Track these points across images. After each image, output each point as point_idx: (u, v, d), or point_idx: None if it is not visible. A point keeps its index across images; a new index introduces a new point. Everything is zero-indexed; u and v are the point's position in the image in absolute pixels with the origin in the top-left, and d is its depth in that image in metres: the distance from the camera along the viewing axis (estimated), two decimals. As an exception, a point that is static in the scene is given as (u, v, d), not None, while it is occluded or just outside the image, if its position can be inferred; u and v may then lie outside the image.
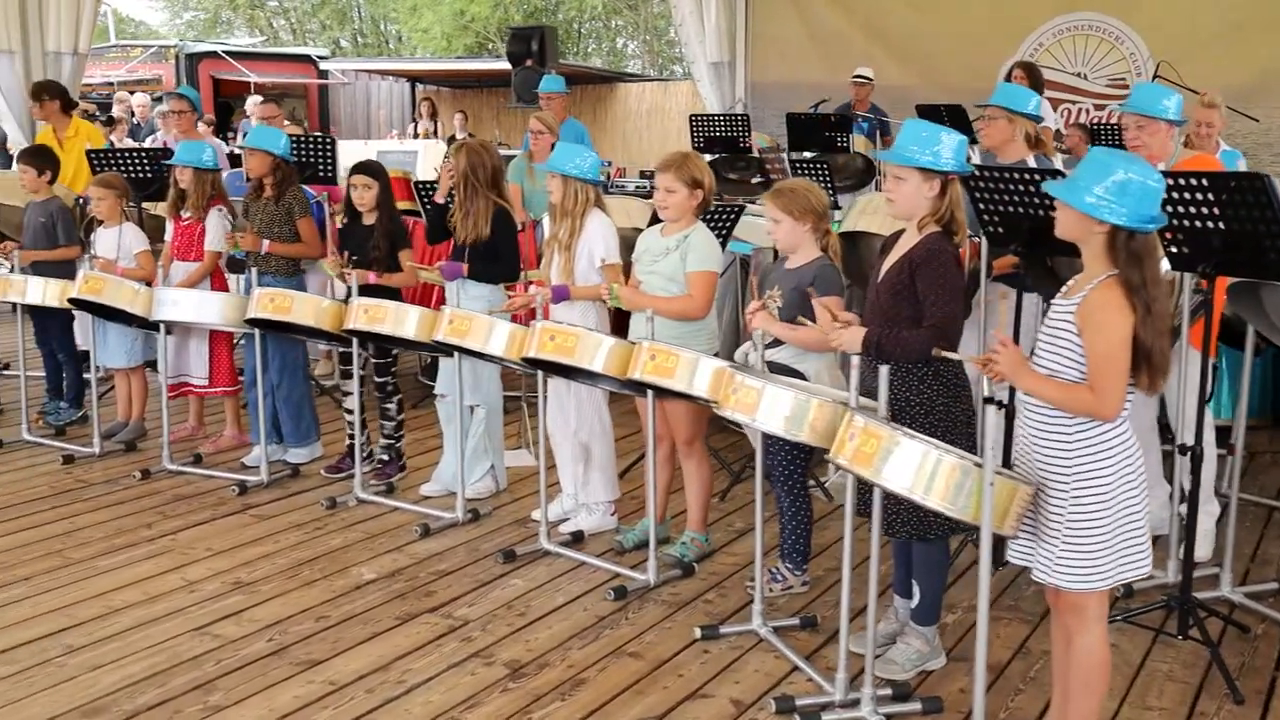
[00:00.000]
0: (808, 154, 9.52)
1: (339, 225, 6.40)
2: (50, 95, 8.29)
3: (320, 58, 21.24)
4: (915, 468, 3.21)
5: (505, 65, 19.75)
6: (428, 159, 14.74)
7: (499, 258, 5.68)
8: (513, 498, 5.93)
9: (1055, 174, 4.53)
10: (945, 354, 3.60)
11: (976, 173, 4.62)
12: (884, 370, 3.54)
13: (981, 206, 4.79)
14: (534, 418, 6.88)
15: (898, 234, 4.00)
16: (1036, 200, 4.58)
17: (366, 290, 5.66)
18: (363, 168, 5.98)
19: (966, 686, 3.98)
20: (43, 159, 6.95)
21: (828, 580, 4.88)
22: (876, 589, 3.79)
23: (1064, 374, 3.18)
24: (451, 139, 16.19)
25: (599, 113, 18.47)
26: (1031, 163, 5.25)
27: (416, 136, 16.33)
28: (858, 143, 10.67)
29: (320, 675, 4.05)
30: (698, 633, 4.34)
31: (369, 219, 5.93)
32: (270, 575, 4.93)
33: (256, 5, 33.46)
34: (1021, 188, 4.59)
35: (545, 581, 4.88)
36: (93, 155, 7.68)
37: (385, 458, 6.14)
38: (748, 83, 14.00)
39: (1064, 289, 3.30)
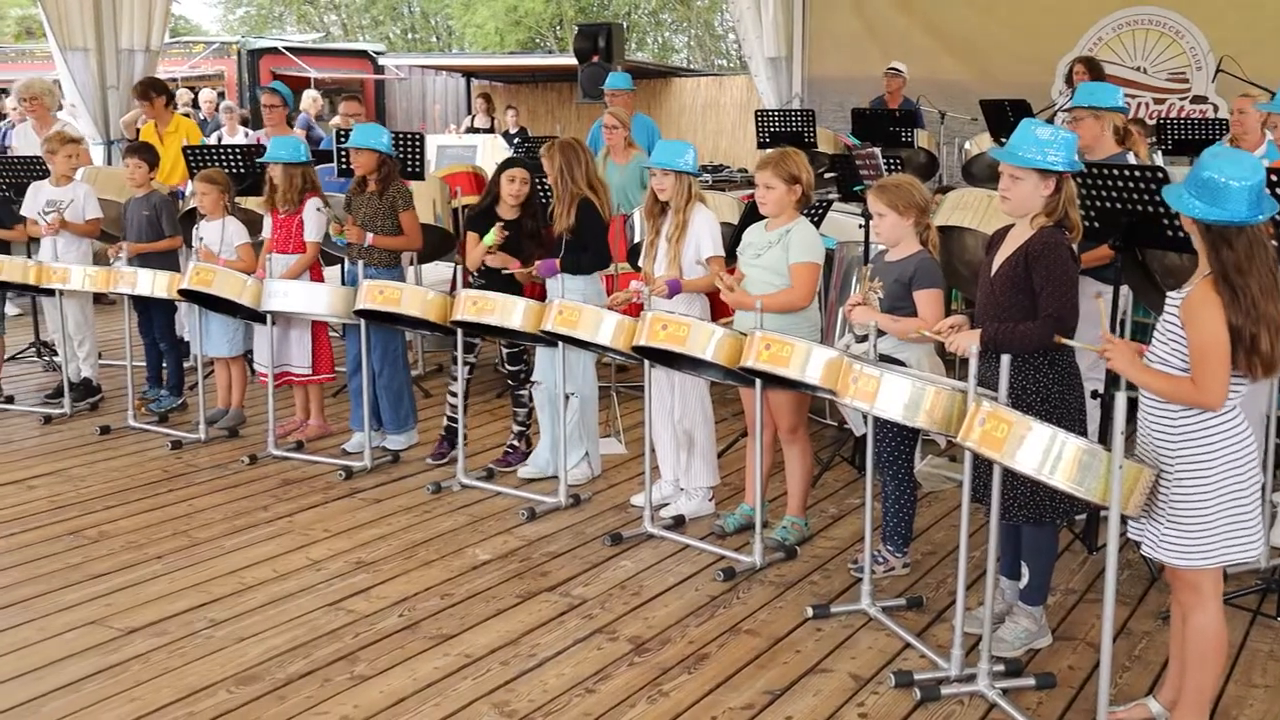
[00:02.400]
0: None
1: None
2: (157, 92, 8.57)
3: (377, 53, 21.52)
4: (1043, 450, 3.39)
5: (560, 60, 20.04)
6: (486, 153, 14.97)
7: (586, 248, 5.89)
8: (609, 483, 6.13)
9: (1156, 169, 4.67)
10: (1065, 341, 3.75)
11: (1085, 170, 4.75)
12: (1005, 360, 3.70)
13: (1077, 201, 4.93)
14: (622, 406, 7.10)
15: (1005, 229, 4.16)
16: (1134, 195, 4.73)
17: (495, 281, 5.90)
18: (519, 162, 6.19)
19: (1075, 663, 4.15)
20: (149, 154, 7.21)
21: (926, 564, 5.05)
22: (994, 569, 3.95)
23: (1172, 365, 3.34)
24: (506, 133, 16.41)
25: (654, 107, 18.63)
26: (1130, 160, 5.38)
27: (473, 131, 16.53)
28: (921, 137, 10.82)
29: (454, 648, 4.25)
30: (809, 611, 4.52)
31: (511, 213, 6.10)
32: (389, 555, 5.14)
33: (309, 1, 33.86)
34: (1120, 183, 4.73)
35: (653, 563, 5.07)
36: (189, 151, 7.92)
37: (515, 444, 6.34)
38: (804, 77, 14.14)
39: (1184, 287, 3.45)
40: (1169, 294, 3.46)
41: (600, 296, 6.01)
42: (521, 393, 6.28)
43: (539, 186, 7.14)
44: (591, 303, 5.70)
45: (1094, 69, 9.11)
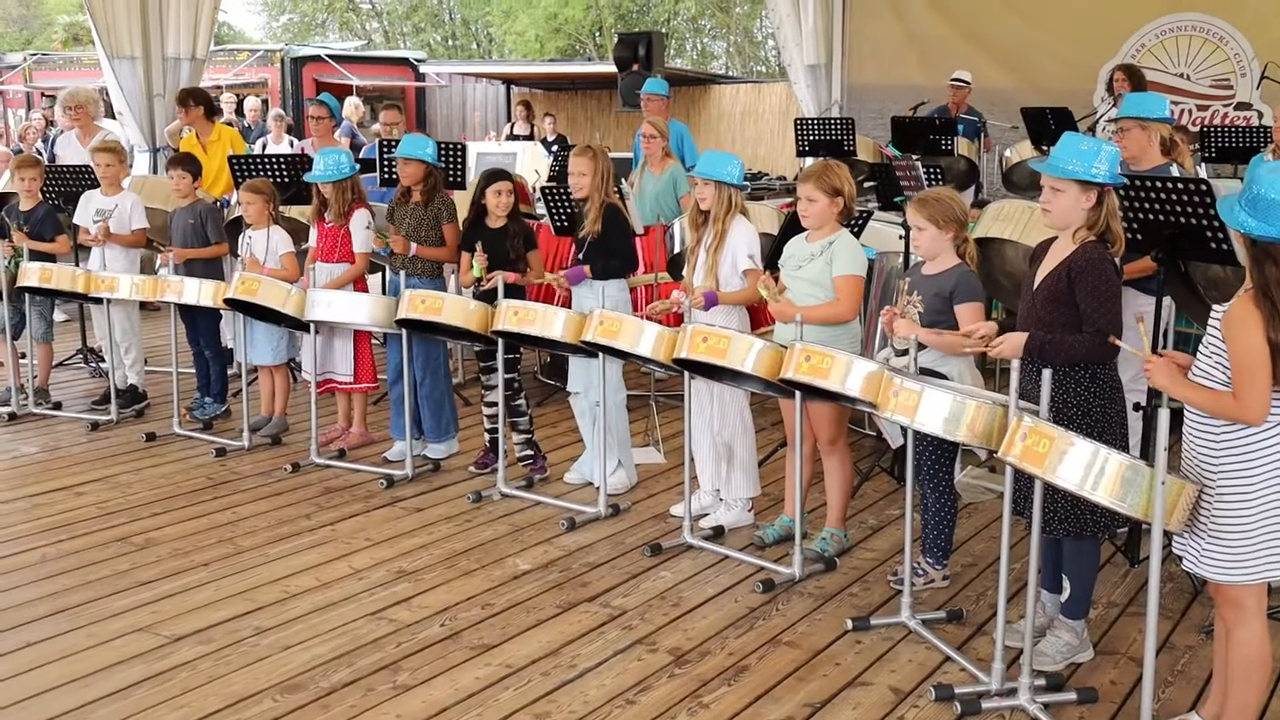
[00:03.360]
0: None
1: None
2: (196, 101, 8.68)
3: (418, 60, 21.67)
4: (1085, 466, 3.38)
5: (600, 68, 20.10)
6: (526, 161, 15.04)
7: (614, 252, 5.95)
8: (648, 493, 6.15)
9: (1200, 182, 4.65)
10: (1116, 342, 3.73)
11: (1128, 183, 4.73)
12: (1046, 374, 3.70)
13: (1120, 213, 4.91)
14: (661, 415, 7.13)
15: (1047, 242, 4.15)
16: (1177, 208, 4.70)
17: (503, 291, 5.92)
18: (503, 174, 6.24)
19: (1116, 678, 4.14)
20: (193, 165, 7.31)
21: (965, 576, 5.04)
22: (1035, 583, 3.94)
23: (1215, 379, 3.33)
24: (545, 140, 16.47)
25: (693, 114, 18.68)
26: (1174, 171, 5.36)
27: (514, 138, 16.60)
28: (961, 145, 10.78)
29: (496, 659, 4.28)
30: (849, 624, 4.53)
31: (498, 223, 6.18)
32: (430, 565, 5.18)
33: (351, 8, 34.14)
34: (1164, 195, 4.71)
35: (693, 574, 5.08)
36: (234, 160, 8.02)
37: (530, 453, 6.37)
38: (844, 85, 14.12)
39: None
40: (1213, 307, 3.44)
41: (627, 302, 6.06)
42: (518, 402, 6.32)
43: (554, 191, 7.23)
44: (621, 308, 5.76)
45: (1134, 77, 9.06)
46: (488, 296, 5.95)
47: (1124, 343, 3.77)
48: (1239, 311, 3.24)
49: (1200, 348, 3.44)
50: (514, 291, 6.02)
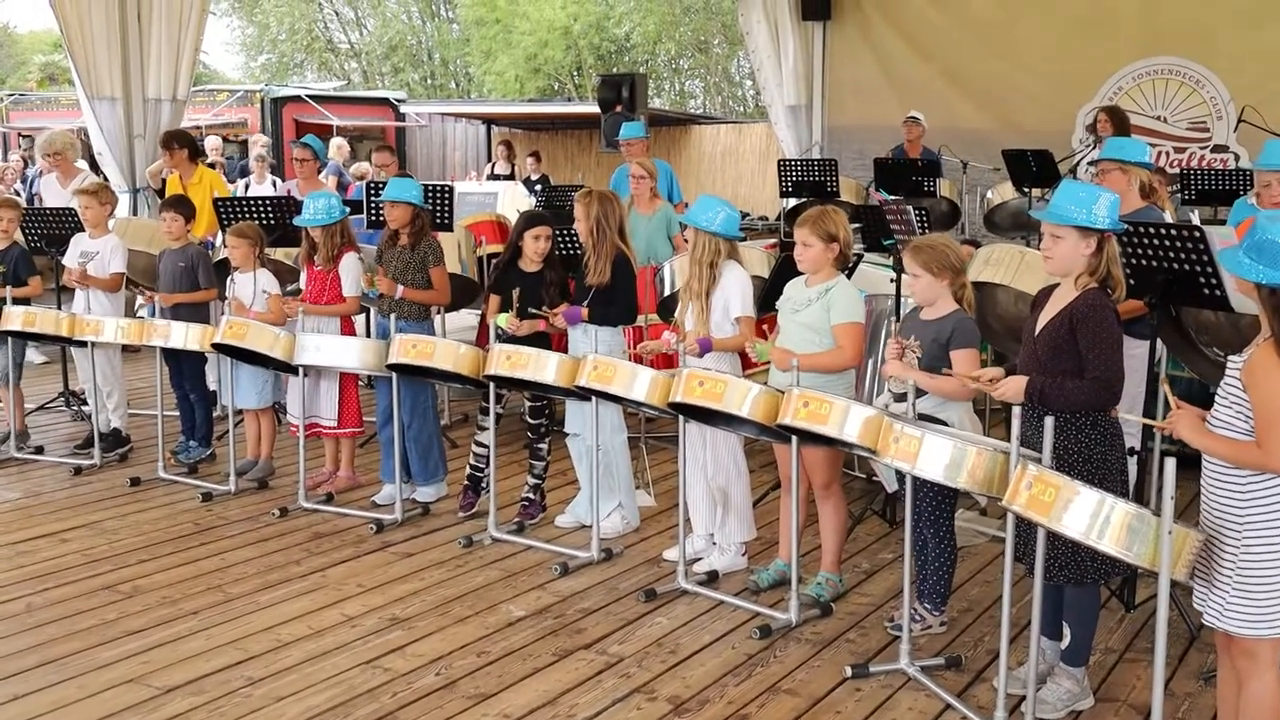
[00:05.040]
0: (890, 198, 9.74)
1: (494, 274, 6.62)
2: (179, 144, 8.65)
3: (399, 100, 21.73)
4: (1090, 515, 3.38)
5: (580, 108, 20.20)
6: (507, 200, 15.08)
7: (615, 301, 5.94)
8: (640, 536, 6.12)
9: (1193, 228, 4.68)
10: (1126, 417, 3.75)
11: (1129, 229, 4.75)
12: (1049, 421, 3.71)
13: (1120, 260, 4.94)
14: (651, 457, 7.10)
15: (1050, 288, 4.17)
16: (1170, 254, 4.74)
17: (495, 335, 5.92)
18: (543, 219, 6.21)
19: (1118, 726, 4.12)
20: (186, 208, 7.28)
21: (962, 621, 5.02)
22: (1038, 631, 3.93)
23: (1237, 430, 3.33)
24: (527, 180, 16.52)
25: (673, 154, 18.76)
26: (1162, 215, 5.40)
27: (495, 178, 16.64)
28: (944, 186, 10.86)
29: (493, 709, 4.24)
30: (848, 671, 4.50)
31: (533, 267, 6.13)
32: (423, 612, 5.13)
33: (330, 49, 34.23)
34: (1157, 241, 4.74)
35: (689, 620, 5.05)
36: (219, 203, 7.99)
37: (531, 498, 6.32)
38: (824, 125, 14.24)
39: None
40: (1230, 358, 3.45)
41: (622, 346, 6.05)
42: (540, 446, 6.28)
43: (562, 234, 7.20)
44: (614, 353, 5.76)
45: (1117, 119, 9.14)
46: (514, 340, 5.92)
47: (1123, 409, 3.78)
48: (1261, 360, 3.25)
49: (1218, 398, 3.44)
50: (537, 337, 6.00)
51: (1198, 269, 4.64)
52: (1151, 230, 4.76)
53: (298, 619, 5.03)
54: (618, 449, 6.10)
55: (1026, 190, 10.04)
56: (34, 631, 4.89)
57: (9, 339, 7.39)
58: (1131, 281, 4.95)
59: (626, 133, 9.24)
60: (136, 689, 4.36)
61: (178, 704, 4.24)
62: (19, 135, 21.43)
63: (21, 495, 6.81)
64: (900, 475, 5.14)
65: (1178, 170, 10.37)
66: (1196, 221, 8.15)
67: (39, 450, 7.64)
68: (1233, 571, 3.36)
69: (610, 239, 5.93)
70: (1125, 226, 4.14)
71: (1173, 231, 4.72)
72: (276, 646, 4.75)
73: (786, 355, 4.93)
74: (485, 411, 6.16)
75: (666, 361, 6.31)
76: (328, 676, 4.48)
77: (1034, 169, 9.82)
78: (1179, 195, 9.00)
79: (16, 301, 7.38)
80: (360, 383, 7.20)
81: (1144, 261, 4.84)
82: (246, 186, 12.34)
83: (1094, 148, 9.30)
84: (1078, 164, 10.15)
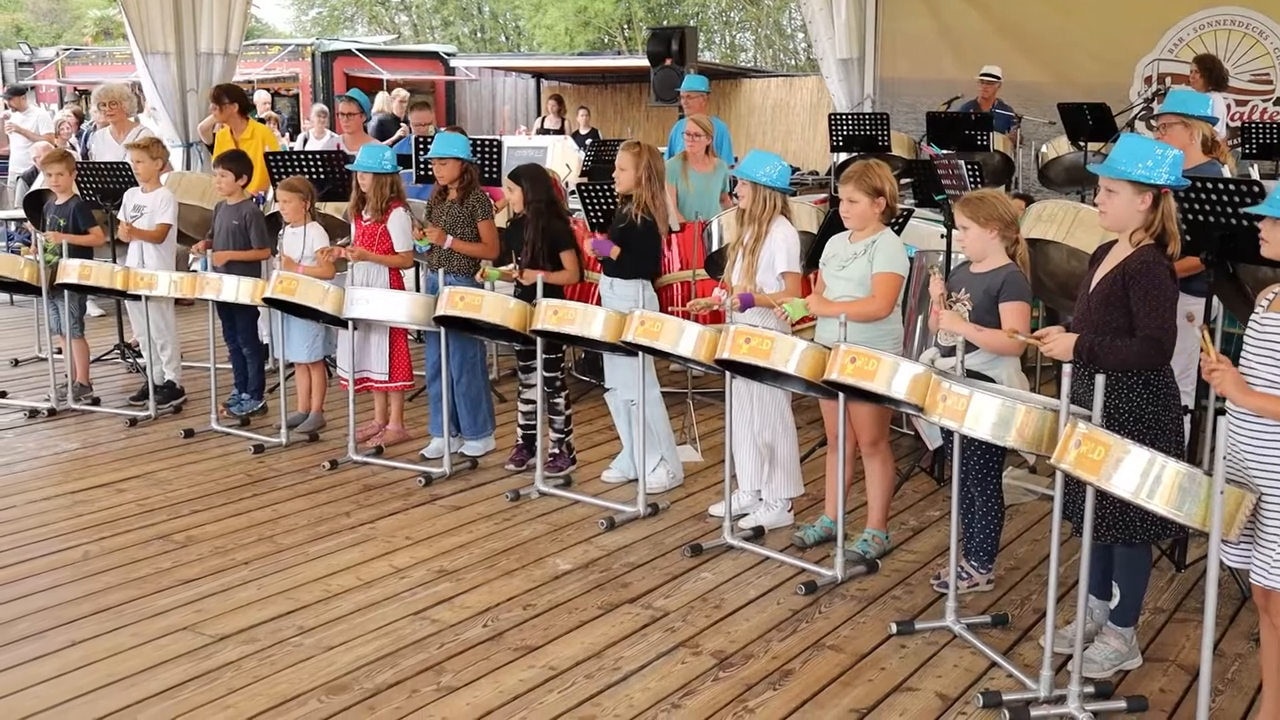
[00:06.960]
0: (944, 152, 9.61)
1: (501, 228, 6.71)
2: (230, 98, 8.69)
3: (449, 54, 21.69)
4: (1141, 474, 3.34)
5: (630, 62, 20.05)
6: (557, 155, 15.02)
7: (638, 252, 5.97)
8: (686, 492, 6.13)
9: (1252, 183, 4.59)
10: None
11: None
12: (1100, 380, 3.66)
13: (1176, 217, 4.86)
14: (698, 413, 7.10)
15: (1108, 245, 4.10)
16: (1228, 209, 4.64)
17: (530, 292, 5.94)
18: (513, 173, 6.24)
19: (1165, 686, 4.10)
20: (240, 164, 7.30)
21: (1009, 579, 5.00)
22: (1085, 590, 3.90)
23: (1276, 384, 3.27)
24: (577, 134, 16.46)
25: (724, 109, 18.62)
26: (1222, 170, 5.30)
27: (545, 132, 16.59)
28: (997, 140, 10.70)
29: (539, 660, 4.27)
30: (893, 628, 4.50)
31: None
32: (471, 564, 5.18)
33: (380, 2, 34.21)
34: (1215, 196, 4.65)
35: (734, 575, 5.06)
36: (270, 157, 8.03)
37: (556, 451, 6.35)
38: (877, 79, 14.05)
39: (1268, 300, 3.38)
40: (1258, 312, 3.39)
41: (653, 301, 6.04)
42: (557, 400, 6.30)
43: (590, 188, 7.22)
44: (649, 308, 5.74)
45: (1206, 68, 8.88)
46: (527, 294, 5.94)
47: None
48: None
49: (1248, 352, 3.38)
50: (551, 289, 6.01)
51: (1256, 225, 4.54)
52: (1210, 185, 4.67)
53: (347, 570, 5.09)
54: (653, 403, 6.10)
55: (1082, 145, 9.86)
56: (91, 579, 4.98)
57: (66, 292, 7.50)
58: (1188, 237, 4.87)
59: (688, 85, 9.22)
60: (190, 637, 4.44)
61: (229, 652, 4.32)
62: (75, 89, 21.62)
63: (80, 445, 6.93)
64: (943, 431, 5.12)
65: (1238, 124, 10.16)
66: (1256, 176, 8.01)
67: (96, 401, 7.76)
68: (1264, 525, 3.32)
69: (650, 191, 5.92)
70: (1186, 182, 4.05)
71: (1232, 186, 4.62)
72: (326, 597, 4.82)
73: (822, 303, 4.92)
74: (528, 370, 6.18)
75: (714, 318, 6.30)
76: (376, 627, 4.54)
77: (1090, 123, 9.65)
78: (1239, 149, 8.82)
79: (77, 252, 7.48)
80: (410, 337, 7.24)
81: (1201, 217, 4.75)
82: (305, 140, 12.40)
83: (1154, 100, 9.12)
84: (1134, 119, 9.96)
